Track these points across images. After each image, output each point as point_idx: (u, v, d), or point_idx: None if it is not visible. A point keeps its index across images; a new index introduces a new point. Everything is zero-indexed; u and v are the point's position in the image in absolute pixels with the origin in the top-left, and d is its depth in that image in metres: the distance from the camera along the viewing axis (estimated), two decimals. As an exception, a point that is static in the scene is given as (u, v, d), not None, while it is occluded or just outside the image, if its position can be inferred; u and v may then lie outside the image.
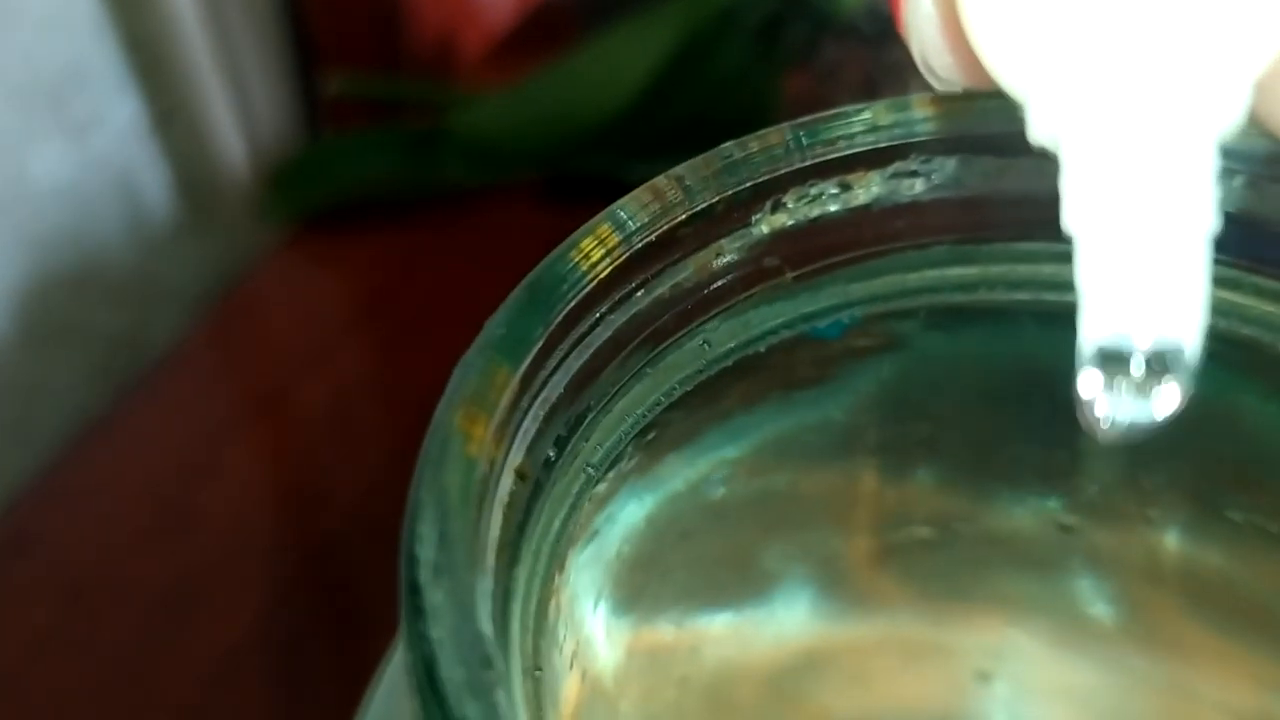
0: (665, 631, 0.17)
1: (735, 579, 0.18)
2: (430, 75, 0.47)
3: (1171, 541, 0.17)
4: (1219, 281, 0.13)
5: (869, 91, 0.43)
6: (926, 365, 0.16)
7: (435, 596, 0.09)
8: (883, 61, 0.43)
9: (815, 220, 0.14)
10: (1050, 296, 0.14)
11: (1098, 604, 0.18)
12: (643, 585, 0.16)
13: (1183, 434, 0.16)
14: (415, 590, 0.09)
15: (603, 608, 0.16)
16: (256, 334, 0.40)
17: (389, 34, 0.46)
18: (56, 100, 0.41)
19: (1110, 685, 0.18)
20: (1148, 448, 0.17)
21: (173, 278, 0.45)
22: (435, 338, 0.39)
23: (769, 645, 0.18)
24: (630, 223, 0.12)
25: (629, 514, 0.16)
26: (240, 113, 0.45)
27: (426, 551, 0.10)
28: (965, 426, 0.17)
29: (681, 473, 0.16)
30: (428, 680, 0.09)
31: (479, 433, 0.10)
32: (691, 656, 0.18)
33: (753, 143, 0.13)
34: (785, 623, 0.18)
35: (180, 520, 0.33)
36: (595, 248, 0.12)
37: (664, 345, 0.13)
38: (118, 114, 0.43)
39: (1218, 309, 0.13)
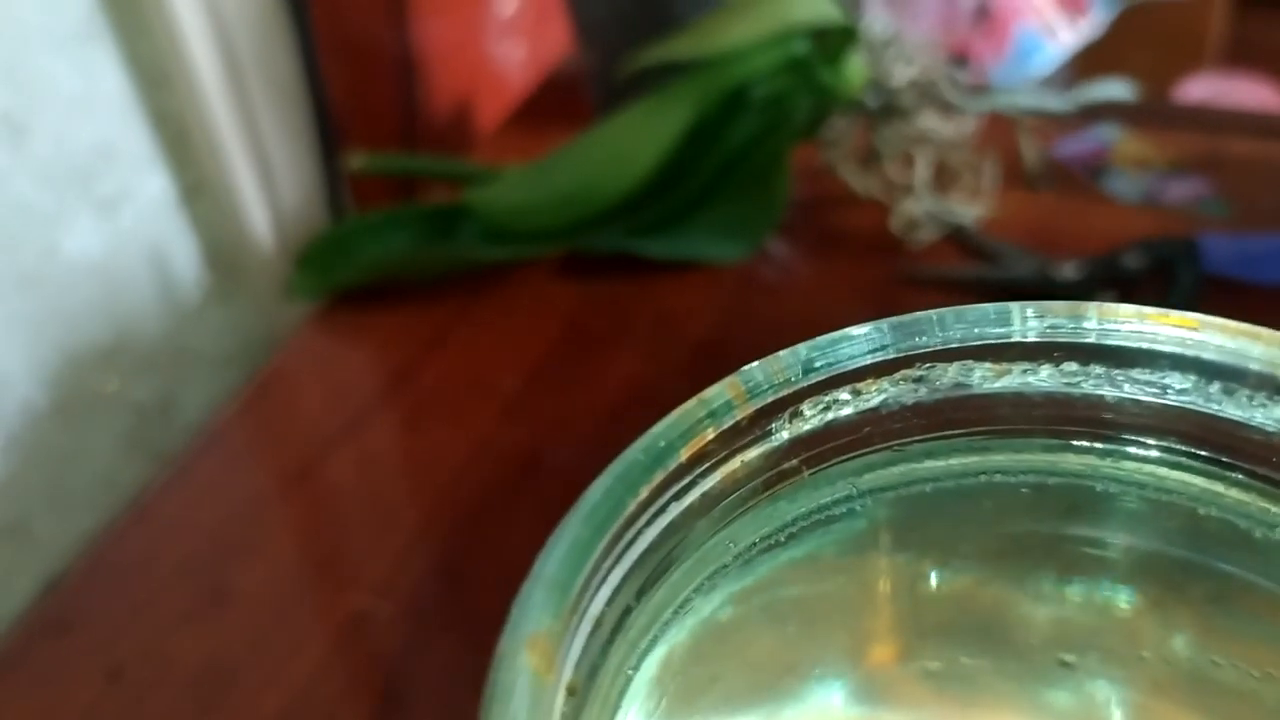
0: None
1: (758, 689, 0.19)
2: (448, 147, 0.48)
3: (1180, 649, 0.18)
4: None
5: (871, 162, 0.45)
6: (929, 525, 0.17)
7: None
8: (884, 134, 0.44)
9: (830, 424, 0.15)
10: (1051, 481, 0.16)
11: (1106, 708, 0.19)
12: (671, 705, 0.18)
13: (1195, 547, 0.17)
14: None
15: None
16: (284, 410, 0.41)
17: (409, 111, 0.47)
18: (86, 177, 0.42)
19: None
20: (1160, 562, 0.18)
21: (202, 347, 0.46)
22: (460, 411, 0.40)
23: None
24: (667, 453, 0.13)
25: (658, 652, 0.17)
26: (265, 185, 0.46)
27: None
28: (973, 567, 0.18)
29: (703, 606, 0.18)
30: None
31: (543, 667, 0.12)
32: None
33: (772, 363, 0.14)
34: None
35: (215, 598, 0.34)
36: (639, 476, 0.13)
37: (693, 549, 0.14)
38: (146, 189, 0.44)
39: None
